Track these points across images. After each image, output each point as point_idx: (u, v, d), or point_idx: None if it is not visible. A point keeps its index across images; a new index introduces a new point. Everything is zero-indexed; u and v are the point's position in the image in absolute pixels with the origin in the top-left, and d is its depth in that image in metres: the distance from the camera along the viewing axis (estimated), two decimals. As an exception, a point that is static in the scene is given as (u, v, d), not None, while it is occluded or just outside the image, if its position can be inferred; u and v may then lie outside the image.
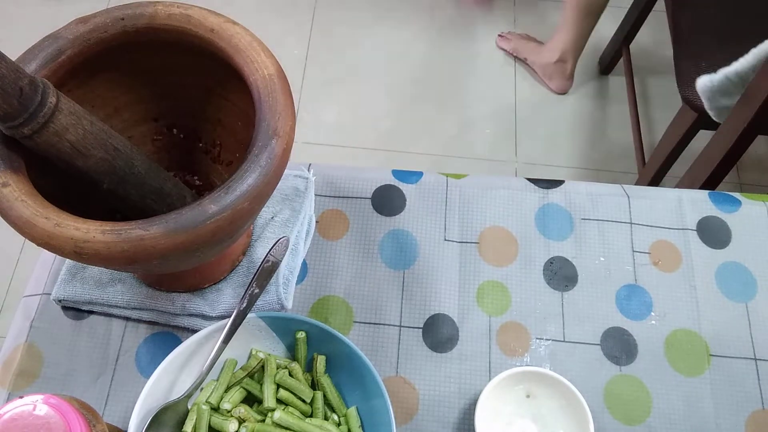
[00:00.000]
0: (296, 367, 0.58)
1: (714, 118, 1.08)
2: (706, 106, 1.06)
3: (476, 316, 0.64)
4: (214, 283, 0.62)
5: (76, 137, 0.46)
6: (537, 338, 0.64)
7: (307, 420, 0.56)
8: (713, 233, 0.69)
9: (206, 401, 0.55)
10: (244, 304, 0.57)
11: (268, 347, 0.60)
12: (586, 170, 1.57)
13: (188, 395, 0.55)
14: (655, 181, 1.34)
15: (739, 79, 0.98)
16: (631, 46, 1.59)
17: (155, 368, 0.55)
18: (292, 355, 0.60)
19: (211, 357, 0.55)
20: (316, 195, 0.70)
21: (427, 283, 0.66)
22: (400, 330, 0.64)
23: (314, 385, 0.59)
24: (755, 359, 0.63)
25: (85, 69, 0.53)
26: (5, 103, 0.42)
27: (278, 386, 0.57)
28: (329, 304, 0.65)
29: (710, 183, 1.13)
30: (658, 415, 0.60)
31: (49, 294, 0.64)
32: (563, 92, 1.66)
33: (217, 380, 0.57)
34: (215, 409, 0.56)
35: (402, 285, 0.66)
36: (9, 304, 1.40)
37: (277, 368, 0.58)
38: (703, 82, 1.03)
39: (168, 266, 0.51)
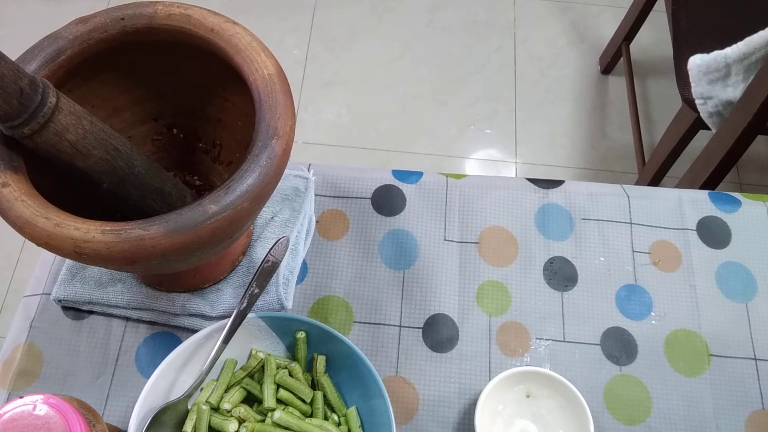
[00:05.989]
0: (296, 367, 0.58)
1: (703, 117, 1.08)
2: (694, 93, 1.06)
3: (476, 316, 0.64)
4: (214, 283, 0.62)
5: (76, 137, 0.46)
6: (537, 338, 0.64)
7: (307, 420, 0.56)
8: (713, 233, 0.69)
9: (206, 401, 0.55)
10: (244, 304, 0.57)
11: (268, 347, 0.60)
12: (586, 170, 1.57)
13: (188, 395, 0.55)
14: (655, 181, 1.34)
15: (726, 65, 0.99)
16: (631, 46, 1.59)
17: (155, 368, 0.55)
18: (292, 355, 0.60)
19: (211, 357, 0.55)
20: (316, 195, 0.70)
21: (427, 283, 0.66)
22: (400, 330, 0.64)
23: (314, 385, 0.59)
24: (755, 359, 0.63)
25: (85, 69, 0.53)
26: (5, 103, 0.42)
27: (278, 386, 0.57)
28: (329, 304, 0.65)
29: (710, 183, 1.13)
30: (658, 415, 0.60)
31: (49, 294, 0.64)
32: None
33: (217, 380, 0.57)
34: (215, 409, 0.56)
35: (402, 285, 0.66)
36: (9, 304, 1.39)
37: (277, 368, 0.58)
38: (694, 60, 1.03)
39: (168, 266, 0.51)
